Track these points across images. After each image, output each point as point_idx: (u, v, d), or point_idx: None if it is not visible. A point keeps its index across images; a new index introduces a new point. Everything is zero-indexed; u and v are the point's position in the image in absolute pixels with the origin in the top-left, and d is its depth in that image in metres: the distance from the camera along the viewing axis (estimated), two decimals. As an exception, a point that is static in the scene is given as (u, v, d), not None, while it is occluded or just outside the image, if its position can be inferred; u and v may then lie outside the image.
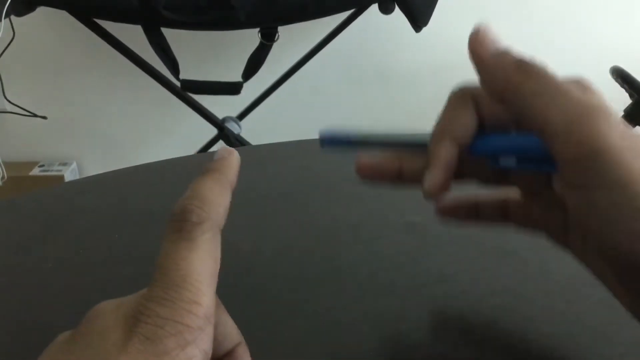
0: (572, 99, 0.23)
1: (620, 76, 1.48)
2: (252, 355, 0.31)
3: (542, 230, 0.31)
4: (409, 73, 1.80)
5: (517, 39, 1.54)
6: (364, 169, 0.30)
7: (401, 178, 0.30)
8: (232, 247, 0.41)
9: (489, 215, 0.32)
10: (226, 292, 0.37)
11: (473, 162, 0.29)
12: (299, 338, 0.33)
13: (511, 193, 0.31)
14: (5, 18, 1.14)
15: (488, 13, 1.75)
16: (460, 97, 0.28)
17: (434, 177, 0.27)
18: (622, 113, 1.53)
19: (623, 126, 0.23)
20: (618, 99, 1.55)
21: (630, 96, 1.51)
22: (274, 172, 0.53)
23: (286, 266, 0.39)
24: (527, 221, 0.31)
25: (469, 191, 0.32)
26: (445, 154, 0.27)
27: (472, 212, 0.32)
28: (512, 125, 0.28)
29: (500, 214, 0.32)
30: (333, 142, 0.30)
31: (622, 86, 1.50)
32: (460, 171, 0.28)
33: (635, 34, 1.80)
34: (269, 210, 0.47)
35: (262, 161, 0.56)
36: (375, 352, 0.32)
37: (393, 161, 0.30)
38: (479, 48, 0.26)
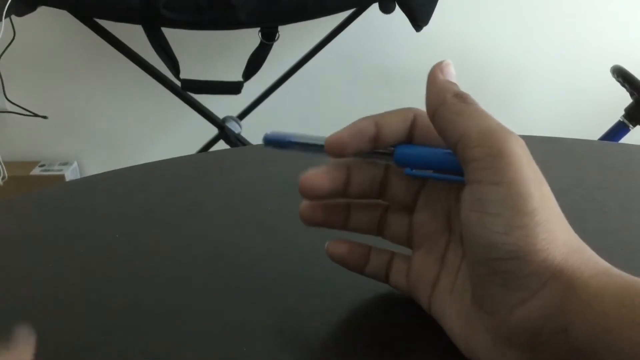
0: (489, 120, 0.27)
1: (621, 75, 1.48)
2: (253, 355, 0.32)
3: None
4: (409, 72, 1.80)
5: (516, 38, 1.56)
6: (306, 185, 0.32)
7: (347, 190, 0.32)
8: (232, 246, 0.41)
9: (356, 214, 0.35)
10: (224, 291, 0.37)
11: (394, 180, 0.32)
12: (299, 337, 0.33)
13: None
14: (5, 17, 1.14)
15: (487, 12, 1.75)
16: (404, 110, 0.32)
17: (340, 132, 0.31)
18: (623, 112, 1.53)
19: (523, 145, 0.26)
20: (619, 98, 1.55)
21: (631, 95, 1.51)
22: (274, 172, 0.53)
23: (286, 266, 0.39)
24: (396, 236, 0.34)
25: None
26: (363, 124, 0.31)
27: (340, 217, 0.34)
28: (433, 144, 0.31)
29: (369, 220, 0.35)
30: (275, 143, 0.33)
31: (622, 85, 1.50)
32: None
33: (636, 33, 1.80)
34: (269, 209, 0.47)
35: (262, 161, 0.56)
36: (375, 351, 0.32)
37: (341, 172, 0.32)
38: (439, 72, 0.30)
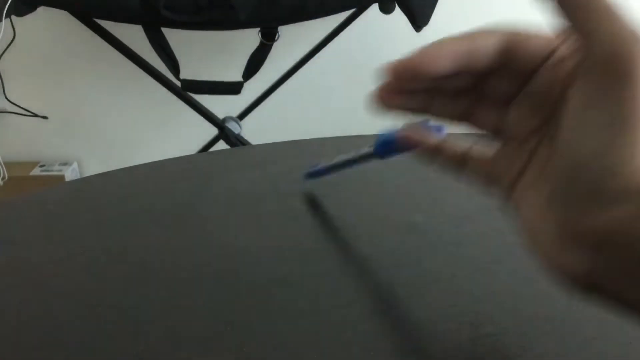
0: (618, 22, 0.24)
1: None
2: (253, 355, 0.32)
3: (494, 177, 0.32)
4: (410, 73, 1.80)
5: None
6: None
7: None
8: (231, 246, 0.41)
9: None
10: (225, 291, 0.37)
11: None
12: (299, 337, 0.33)
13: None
14: (6, 18, 1.14)
15: (489, 13, 1.75)
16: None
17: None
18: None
19: None
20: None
21: None
22: (274, 172, 0.53)
23: (286, 266, 0.39)
24: (484, 164, 0.32)
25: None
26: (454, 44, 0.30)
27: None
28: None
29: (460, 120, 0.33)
30: (314, 176, 0.38)
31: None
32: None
33: None
34: (269, 209, 0.47)
35: (262, 161, 0.56)
36: (375, 352, 0.32)
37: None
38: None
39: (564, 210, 0.26)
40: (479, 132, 0.33)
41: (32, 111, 1.59)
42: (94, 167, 1.85)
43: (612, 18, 0.24)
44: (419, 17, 1.31)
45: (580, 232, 0.25)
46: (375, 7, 1.34)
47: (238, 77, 1.39)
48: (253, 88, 1.45)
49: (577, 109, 0.25)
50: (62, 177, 1.74)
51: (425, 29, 1.36)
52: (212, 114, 1.47)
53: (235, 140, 1.47)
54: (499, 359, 0.32)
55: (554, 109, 0.29)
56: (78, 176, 1.82)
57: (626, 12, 0.25)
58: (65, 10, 1.22)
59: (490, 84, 0.31)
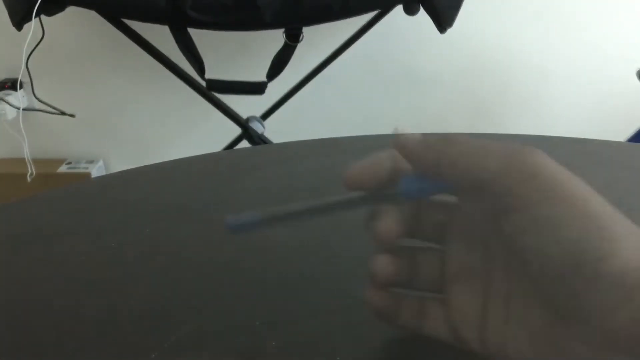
0: (495, 145, 0.26)
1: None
2: (278, 352, 0.32)
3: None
4: (433, 74, 1.80)
5: (541, 40, 1.54)
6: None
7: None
8: (257, 244, 0.42)
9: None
10: (253, 286, 0.37)
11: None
12: (323, 334, 0.33)
13: None
14: (35, 17, 1.16)
15: (512, 14, 1.73)
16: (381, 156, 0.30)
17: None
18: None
19: (547, 156, 0.25)
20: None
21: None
22: (300, 169, 0.54)
23: (312, 264, 0.40)
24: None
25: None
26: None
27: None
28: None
29: None
30: (239, 227, 0.29)
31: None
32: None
33: (664, 37, 1.77)
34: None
35: (288, 158, 0.56)
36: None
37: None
38: (403, 140, 0.29)
39: (584, 320, 0.24)
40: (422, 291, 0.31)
41: (60, 109, 1.62)
42: (120, 165, 1.88)
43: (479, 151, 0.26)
44: (443, 19, 1.30)
45: (616, 333, 0.24)
46: (399, 8, 1.34)
47: (262, 78, 1.40)
48: (277, 88, 1.46)
49: (529, 226, 0.25)
50: (88, 175, 1.77)
51: (449, 31, 1.35)
52: (236, 113, 1.48)
53: (259, 140, 1.48)
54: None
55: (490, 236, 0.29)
56: (104, 174, 1.84)
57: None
58: (93, 10, 1.24)
59: (420, 229, 0.31)
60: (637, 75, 1.48)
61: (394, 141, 0.29)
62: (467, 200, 0.30)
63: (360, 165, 0.29)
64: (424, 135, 0.28)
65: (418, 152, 0.28)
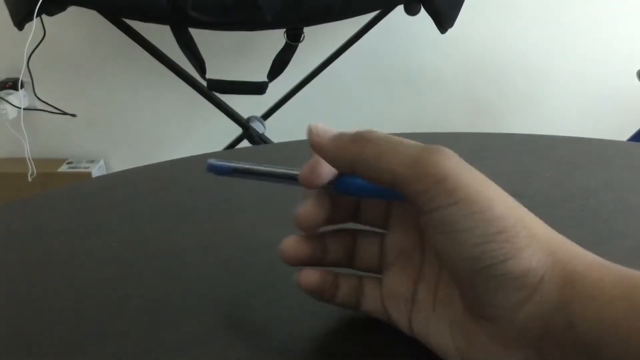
0: (407, 146, 0.27)
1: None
2: (283, 349, 0.32)
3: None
4: (434, 74, 1.80)
5: (541, 40, 1.54)
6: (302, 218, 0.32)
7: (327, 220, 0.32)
8: (259, 242, 0.42)
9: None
10: (256, 285, 0.38)
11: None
12: (327, 332, 0.33)
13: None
14: (36, 17, 1.16)
15: (512, 14, 1.73)
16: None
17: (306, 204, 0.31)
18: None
19: (453, 154, 0.26)
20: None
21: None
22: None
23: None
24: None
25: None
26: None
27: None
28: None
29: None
30: (217, 170, 0.32)
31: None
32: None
33: (664, 37, 1.77)
34: (293, 205, 0.47)
35: (289, 158, 0.56)
36: (405, 343, 0.32)
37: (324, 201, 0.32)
38: (317, 139, 0.29)
39: (491, 318, 0.26)
40: (365, 271, 0.33)
41: (61, 109, 1.62)
42: (121, 165, 1.88)
43: (403, 150, 0.27)
44: (444, 19, 1.31)
45: (518, 332, 0.26)
46: (400, 9, 1.34)
47: (263, 78, 1.40)
48: (277, 88, 1.46)
49: (439, 226, 0.26)
50: (89, 174, 1.77)
51: (450, 31, 1.35)
52: (236, 113, 1.48)
53: (259, 140, 1.48)
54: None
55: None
56: (105, 173, 1.84)
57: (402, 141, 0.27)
58: (94, 9, 1.24)
59: (364, 217, 0.33)
60: (637, 75, 1.48)
61: (311, 141, 0.30)
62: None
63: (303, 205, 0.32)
64: (339, 134, 0.29)
65: (333, 153, 0.29)
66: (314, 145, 0.29)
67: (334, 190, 0.31)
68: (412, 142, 0.27)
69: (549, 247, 0.26)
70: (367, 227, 0.33)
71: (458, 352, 0.28)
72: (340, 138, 0.28)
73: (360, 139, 0.28)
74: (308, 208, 0.31)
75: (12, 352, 0.32)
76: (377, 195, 0.30)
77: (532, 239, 0.25)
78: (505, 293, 0.25)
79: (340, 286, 0.32)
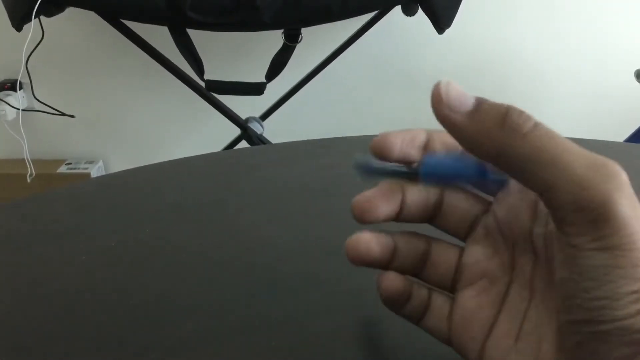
0: (581, 159, 0.21)
1: (646, 79, 1.46)
2: (281, 349, 0.32)
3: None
4: (431, 74, 1.80)
5: (539, 40, 1.54)
6: (360, 207, 0.27)
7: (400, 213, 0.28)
8: (258, 242, 0.42)
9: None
10: (253, 285, 0.38)
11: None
12: (326, 333, 0.34)
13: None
14: (35, 18, 1.16)
15: (510, 15, 1.74)
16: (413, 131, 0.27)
17: (391, 133, 0.26)
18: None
19: (628, 189, 0.21)
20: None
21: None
22: (299, 170, 0.54)
23: (312, 263, 0.40)
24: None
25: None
26: (416, 131, 0.27)
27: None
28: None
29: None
30: (368, 171, 0.28)
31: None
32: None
33: (661, 37, 1.77)
34: (295, 206, 0.48)
35: (287, 159, 0.56)
36: (404, 346, 0.32)
37: (396, 193, 0.27)
38: (448, 112, 0.23)
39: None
40: (434, 286, 0.29)
41: (60, 110, 1.62)
42: (120, 166, 1.88)
43: (572, 162, 0.21)
44: (441, 19, 1.31)
45: None
46: (398, 8, 1.34)
47: (261, 78, 1.40)
48: (276, 89, 1.46)
49: (572, 265, 0.22)
50: (88, 175, 1.77)
51: (447, 32, 1.36)
52: (235, 114, 1.48)
53: (258, 141, 1.48)
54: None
55: (524, 247, 0.26)
56: (104, 174, 1.84)
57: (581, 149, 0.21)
58: (92, 10, 1.24)
59: (444, 219, 0.28)
60: (634, 75, 1.49)
61: (439, 115, 0.23)
62: (510, 199, 0.27)
63: (390, 133, 0.26)
64: (478, 108, 0.23)
65: (471, 137, 0.23)
66: (445, 122, 0.23)
67: (419, 174, 0.26)
68: (585, 154, 0.22)
69: None
70: (444, 237, 0.29)
71: None
72: (483, 118, 0.23)
73: (512, 127, 0.22)
74: (369, 195, 0.27)
75: (12, 352, 0.32)
76: (476, 183, 0.26)
77: None
78: (614, 346, 0.21)
79: (412, 296, 0.28)
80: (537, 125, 0.22)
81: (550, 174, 0.21)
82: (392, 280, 0.28)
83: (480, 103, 0.23)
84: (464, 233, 0.28)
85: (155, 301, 0.36)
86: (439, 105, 0.23)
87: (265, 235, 0.43)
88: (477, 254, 0.27)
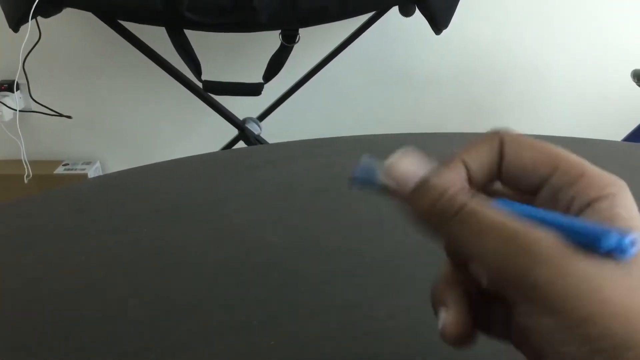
0: (497, 236, 0.22)
1: (642, 79, 1.47)
2: (279, 348, 0.32)
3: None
4: (430, 75, 1.80)
5: (536, 41, 1.54)
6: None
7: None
8: (256, 242, 0.42)
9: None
10: (251, 284, 0.38)
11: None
12: (325, 332, 0.34)
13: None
14: (32, 19, 1.16)
15: (508, 15, 1.74)
16: (489, 137, 0.26)
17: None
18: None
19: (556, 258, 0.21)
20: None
21: (653, 99, 1.49)
22: (296, 170, 0.54)
23: (309, 262, 0.40)
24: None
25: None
26: (453, 167, 0.25)
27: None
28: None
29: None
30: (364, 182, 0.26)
31: (644, 89, 1.49)
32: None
33: (658, 37, 1.78)
34: (293, 206, 0.48)
35: (283, 159, 0.56)
36: (401, 346, 0.32)
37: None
38: (395, 187, 0.24)
39: None
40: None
41: (57, 111, 1.61)
42: (117, 167, 1.88)
43: (489, 240, 0.22)
44: (439, 20, 1.31)
45: None
46: (395, 9, 1.34)
47: (258, 79, 1.40)
48: (273, 89, 1.46)
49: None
50: (85, 176, 1.77)
51: (444, 32, 1.36)
52: (232, 114, 1.48)
53: (255, 141, 1.48)
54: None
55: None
56: (101, 175, 1.84)
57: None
58: (89, 11, 1.24)
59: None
60: (631, 75, 1.49)
61: (389, 187, 0.24)
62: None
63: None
64: (422, 186, 0.24)
65: (415, 213, 0.24)
66: (393, 195, 0.25)
67: None
68: (512, 225, 0.22)
69: None
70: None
71: None
72: (423, 198, 0.24)
73: (441, 210, 0.23)
74: (452, 318, 0.25)
75: (11, 352, 0.32)
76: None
77: None
78: None
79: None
80: (463, 206, 0.23)
81: (469, 252, 0.22)
82: (455, 328, 0.25)
83: (421, 183, 0.24)
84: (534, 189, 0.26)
85: (155, 301, 0.36)
86: (387, 178, 0.24)
87: (263, 235, 0.43)
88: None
